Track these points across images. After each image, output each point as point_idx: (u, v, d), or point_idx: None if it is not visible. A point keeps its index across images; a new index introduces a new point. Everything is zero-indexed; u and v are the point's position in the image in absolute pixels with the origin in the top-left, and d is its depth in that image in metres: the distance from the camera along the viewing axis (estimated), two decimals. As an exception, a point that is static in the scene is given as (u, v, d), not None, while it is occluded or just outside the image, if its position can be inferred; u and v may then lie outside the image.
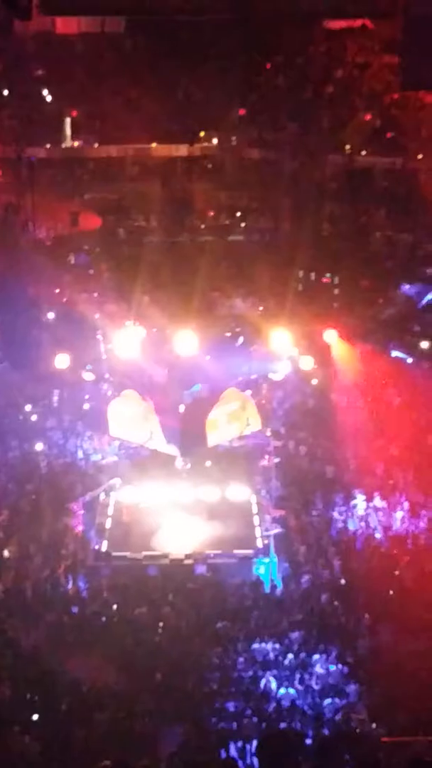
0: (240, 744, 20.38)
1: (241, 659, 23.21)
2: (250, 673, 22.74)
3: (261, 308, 39.53)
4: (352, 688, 22.12)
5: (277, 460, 31.37)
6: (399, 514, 29.56)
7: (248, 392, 31.09)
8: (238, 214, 53.18)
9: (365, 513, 29.88)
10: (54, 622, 25.08)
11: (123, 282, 42.49)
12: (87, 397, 34.33)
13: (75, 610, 25.45)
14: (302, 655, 23.20)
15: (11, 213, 48.00)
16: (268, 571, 27.35)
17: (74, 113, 54.09)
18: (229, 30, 50.42)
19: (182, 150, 55.41)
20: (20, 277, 38.96)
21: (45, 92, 52.91)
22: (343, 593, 25.86)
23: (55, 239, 48.61)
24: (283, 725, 20.88)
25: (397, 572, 26.69)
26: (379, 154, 52.32)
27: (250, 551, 28.22)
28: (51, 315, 37.53)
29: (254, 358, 31.58)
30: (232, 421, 30.85)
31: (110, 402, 31.40)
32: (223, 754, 20.18)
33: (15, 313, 34.83)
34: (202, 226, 51.90)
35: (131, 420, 30.97)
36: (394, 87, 52.91)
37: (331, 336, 33.94)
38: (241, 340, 32.80)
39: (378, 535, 28.84)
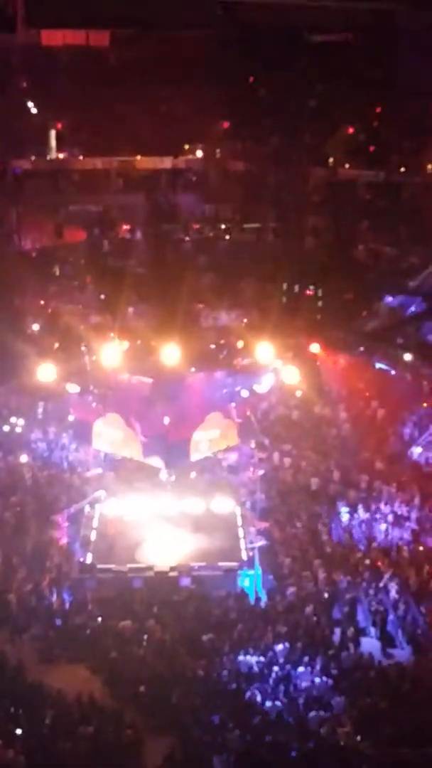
0: (225, 756, 20.35)
1: (225, 672, 23.22)
2: (235, 685, 22.75)
3: (245, 321, 39.64)
4: (336, 700, 22.16)
5: (261, 472, 31.46)
6: (383, 526, 29.68)
7: (232, 404, 31.16)
8: (223, 226, 53.43)
9: (349, 525, 30.00)
10: (38, 634, 25.09)
11: (107, 294, 42.60)
12: (72, 409, 34.31)
13: (59, 622, 25.42)
14: (287, 667, 23.22)
15: (-4, 225, 48.07)
16: (253, 583, 27.35)
17: (59, 125, 54.31)
18: (213, 44, 50.70)
19: (167, 162, 55.74)
20: (5, 288, 39.01)
21: (30, 104, 53.06)
22: (327, 605, 25.91)
23: (40, 251, 48.66)
24: (268, 738, 20.90)
25: (381, 584, 26.79)
26: (362, 167, 52.72)
27: (234, 563, 28.19)
28: (36, 327, 37.54)
29: (238, 370, 31.63)
30: (212, 447, 30.98)
31: (95, 417, 31.30)
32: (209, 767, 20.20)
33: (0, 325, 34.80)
34: (186, 239, 52.10)
35: (112, 443, 31.01)
36: (377, 100, 53.31)
37: (315, 348, 34.06)
38: (225, 352, 32.85)
39: (362, 547, 28.92)
